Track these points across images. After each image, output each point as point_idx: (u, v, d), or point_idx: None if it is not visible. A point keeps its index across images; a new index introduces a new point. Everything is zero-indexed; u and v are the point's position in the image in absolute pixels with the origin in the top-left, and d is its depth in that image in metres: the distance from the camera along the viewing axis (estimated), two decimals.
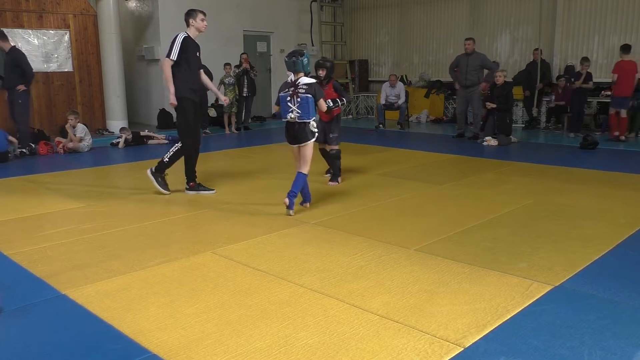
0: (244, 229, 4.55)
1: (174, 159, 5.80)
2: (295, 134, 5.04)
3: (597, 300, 3.10)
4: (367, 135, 11.11)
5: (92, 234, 4.45)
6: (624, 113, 9.37)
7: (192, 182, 5.91)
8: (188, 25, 5.68)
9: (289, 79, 5.08)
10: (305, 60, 4.97)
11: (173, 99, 5.56)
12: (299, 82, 4.96)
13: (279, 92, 5.11)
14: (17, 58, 8.29)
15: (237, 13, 12.99)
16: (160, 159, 5.86)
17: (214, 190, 5.95)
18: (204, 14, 5.70)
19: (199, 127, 6.05)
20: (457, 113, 10.77)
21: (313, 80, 5.06)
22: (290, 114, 4.99)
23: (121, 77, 11.08)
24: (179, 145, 5.81)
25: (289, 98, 4.98)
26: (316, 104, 5.05)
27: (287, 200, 4.94)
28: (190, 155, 5.85)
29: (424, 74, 13.92)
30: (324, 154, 6.42)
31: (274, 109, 5.42)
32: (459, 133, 10.37)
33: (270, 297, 3.15)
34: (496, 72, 9.61)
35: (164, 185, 5.85)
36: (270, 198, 5.64)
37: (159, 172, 5.83)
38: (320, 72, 6.07)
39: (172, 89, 5.55)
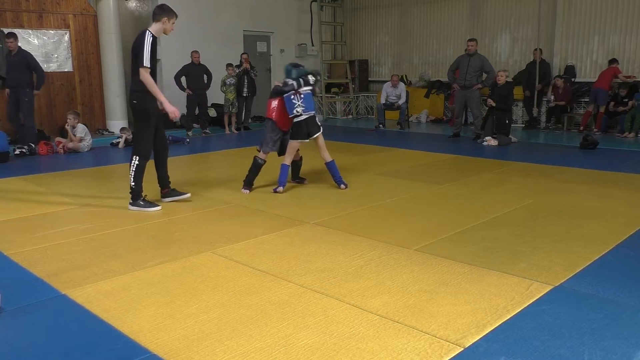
0: (244, 229, 4.55)
1: (138, 179, 5.21)
2: (308, 129, 5.78)
3: (597, 300, 3.10)
4: (367, 135, 11.11)
5: (92, 234, 4.45)
6: (602, 108, 10.63)
7: (167, 188, 5.48)
8: (157, 20, 5.05)
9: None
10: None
11: (172, 109, 5.07)
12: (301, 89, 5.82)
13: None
14: (27, 59, 8.68)
15: (237, 13, 12.98)
16: (130, 189, 5.28)
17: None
18: (176, 18, 5.19)
19: (162, 130, 5.40)
20: (455, 113, 10.77)
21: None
22: (297, 108, 5.72)
23: (121, 77, 11.07)
24: (134, 163, 5.16)
25: (292, 96, 5.74)
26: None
27: (342, 186, 5.93)
28: (145, 165, 5.24)
29: (424, 74, 13.92)
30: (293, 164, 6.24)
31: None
32: (454, 133, 10.37)
33: (270, 297, 3.15)
34: (498, 72, 9.61)
35: (150, 204, 5.27)
36: (271, 198, 5.65)
37: (137, 199, 5.26)
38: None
39: (162, 97, 5.05)
